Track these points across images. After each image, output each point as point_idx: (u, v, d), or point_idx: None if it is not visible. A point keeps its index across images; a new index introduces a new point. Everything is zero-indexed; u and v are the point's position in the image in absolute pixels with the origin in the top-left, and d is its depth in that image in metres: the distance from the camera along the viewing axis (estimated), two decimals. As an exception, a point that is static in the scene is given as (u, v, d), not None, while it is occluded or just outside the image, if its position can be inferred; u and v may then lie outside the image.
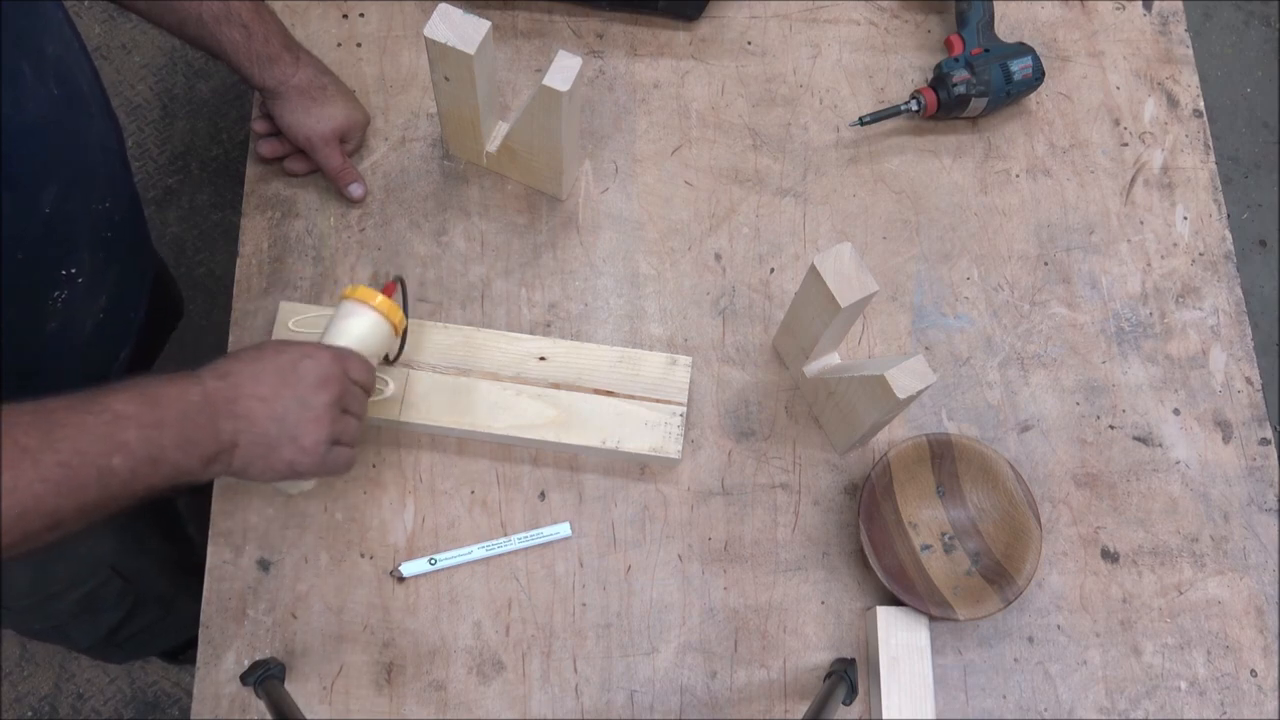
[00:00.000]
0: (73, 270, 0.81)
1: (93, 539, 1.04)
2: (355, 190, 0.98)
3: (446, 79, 0.87)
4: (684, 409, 0.91)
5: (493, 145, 0.98)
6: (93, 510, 0.62)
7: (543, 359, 0.92)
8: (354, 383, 0.78)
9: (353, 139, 0.99)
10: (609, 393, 0.91)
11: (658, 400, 0.91)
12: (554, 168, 0.95)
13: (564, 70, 0.82)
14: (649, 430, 0.90)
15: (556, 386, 0.91)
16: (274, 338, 0.91)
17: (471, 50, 0.82)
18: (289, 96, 0.92)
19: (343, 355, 0.78)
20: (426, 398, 0.90)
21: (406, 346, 0.91)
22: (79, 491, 0.61)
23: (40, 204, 0.74)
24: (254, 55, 0.89)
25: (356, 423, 0.79)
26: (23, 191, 0.72)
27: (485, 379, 0.91)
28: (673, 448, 0.90)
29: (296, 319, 0.92)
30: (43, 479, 0.59)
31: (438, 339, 0.92)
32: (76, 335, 0.85)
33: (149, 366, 1.33)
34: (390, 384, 0.90)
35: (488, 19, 0.83)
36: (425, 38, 0.82)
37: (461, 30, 0.82)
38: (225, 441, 0.70)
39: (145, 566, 1.15)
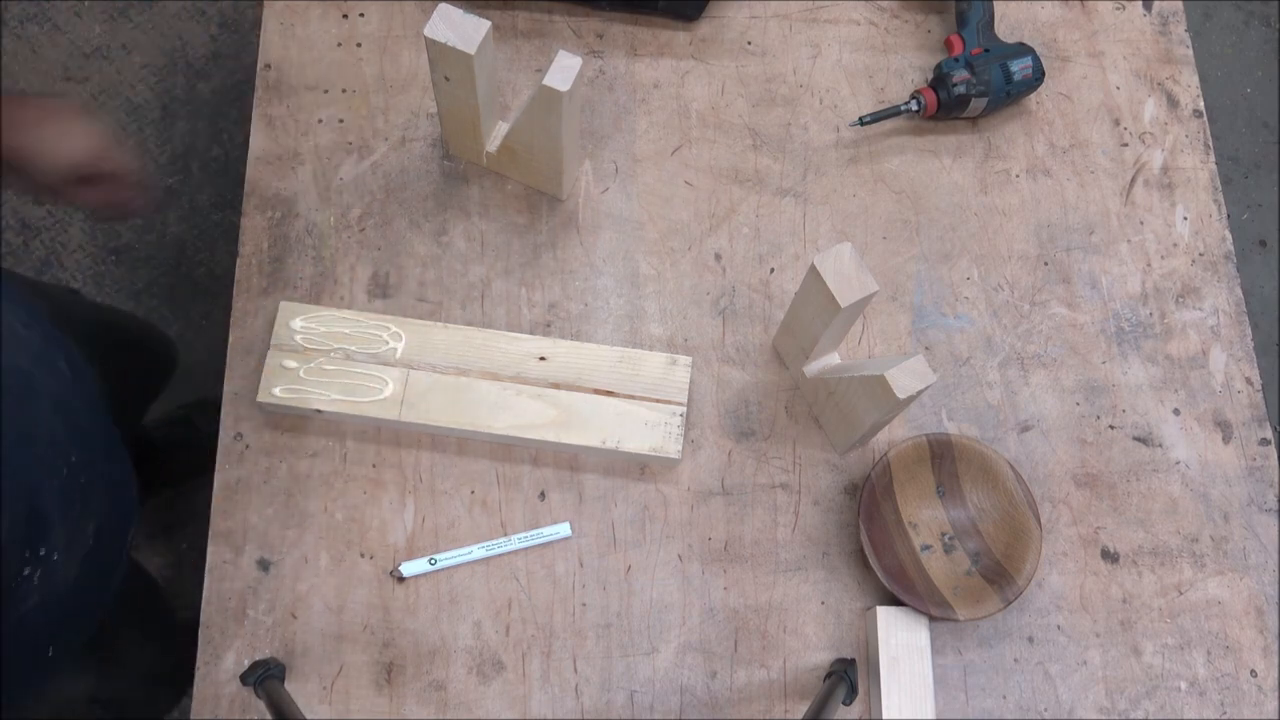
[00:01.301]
0: (41, 552, 0.74)
1: (71, 680, 0.96)
2: (135, 205, 0.84)
3: (447, 79, 0.87)
4: (684, 409, 0.91)
5: (493, 145, 0.98)
6: None
7: (543, 359, 0.92)
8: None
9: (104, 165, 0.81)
10: (609, 393, 0.91)
11: (658, 400, 0.91)
12: (554, 168, 0.95)
13: (564, 70, 0.82)
14: (649, 430, 0.90)
15: (556, 386, 0.91)
16: (274, 340, 0.91)
17: (472, 50, 0.82)
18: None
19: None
20: (426, 398, 0.90)
21: (407, 346, 0.91)
22: None
23: None
24: None
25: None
26: None
27: (485, 379, 0.91)
28: (673, 448, 0.90)
29: (301, 320, 0.92)
30: None
31: (438, 339, 0.92)
32: (60, 586, 0.78)
33: (142, 413, 1.31)
34: (390, 384, 0.90)
35: (488, 19, 0.83)
36: (425, 38, 0.82)
37: (462, 30, 0.82)
38: None
39: (124, 686, 1.11)
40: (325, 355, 0.91)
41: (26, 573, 0.73)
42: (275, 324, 0.92)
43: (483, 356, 0.92)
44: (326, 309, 0.93)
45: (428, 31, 0.82)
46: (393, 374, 0.90)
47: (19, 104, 0.76)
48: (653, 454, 0.90)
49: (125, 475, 0.90)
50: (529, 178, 1.00)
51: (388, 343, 0.92)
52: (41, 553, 0.74)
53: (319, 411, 0.90)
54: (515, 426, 0.90)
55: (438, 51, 0.84)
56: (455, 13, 0.83)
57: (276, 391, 0.89)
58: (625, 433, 0.90)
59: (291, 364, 0.90)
